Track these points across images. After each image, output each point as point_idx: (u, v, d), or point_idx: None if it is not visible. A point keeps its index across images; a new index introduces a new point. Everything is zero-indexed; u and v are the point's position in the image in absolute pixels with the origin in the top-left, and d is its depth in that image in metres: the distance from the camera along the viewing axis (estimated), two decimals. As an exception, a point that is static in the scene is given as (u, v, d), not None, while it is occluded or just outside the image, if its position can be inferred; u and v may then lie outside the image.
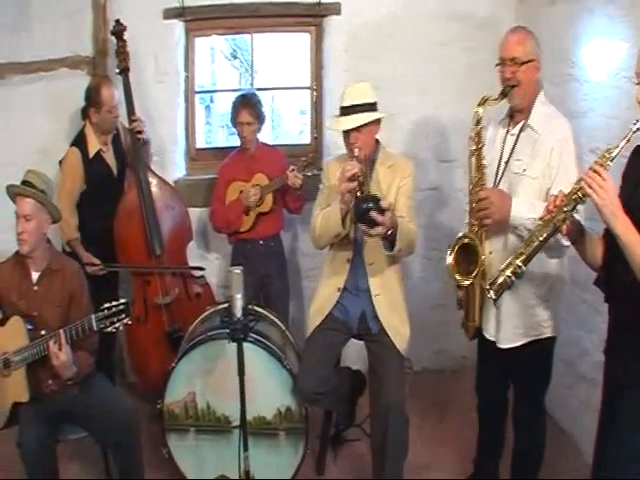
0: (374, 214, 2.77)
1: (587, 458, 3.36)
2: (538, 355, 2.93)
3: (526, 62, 2.76)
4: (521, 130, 2.85)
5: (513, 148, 2.85)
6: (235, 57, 6.02)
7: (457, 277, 2.87)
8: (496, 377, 3.13)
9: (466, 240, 2.85)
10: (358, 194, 2.91)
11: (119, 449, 3.18)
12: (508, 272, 2.51)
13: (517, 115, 2.89)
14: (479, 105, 2.82)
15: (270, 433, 3.30)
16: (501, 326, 2.90)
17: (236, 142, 4.21)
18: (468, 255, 2.85)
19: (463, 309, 3.05)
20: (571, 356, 3.62)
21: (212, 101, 5.68)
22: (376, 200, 2.81)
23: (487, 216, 2.78)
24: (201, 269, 4.19)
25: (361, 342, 3.35)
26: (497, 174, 2.88)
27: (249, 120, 3.94)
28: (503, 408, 3.20)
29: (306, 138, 4.76)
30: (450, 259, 2.88)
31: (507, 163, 2.86)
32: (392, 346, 3.16)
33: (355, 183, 2.91)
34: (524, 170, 2.80)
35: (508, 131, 2.91)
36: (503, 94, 2.79)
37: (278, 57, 5.40)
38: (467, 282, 2.85)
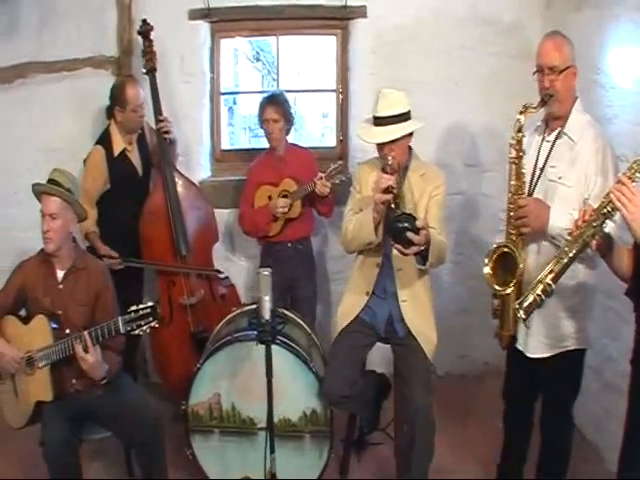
0: (410, 234, 2.77)
1: (609, 466, 3.35)
2: (567, 366, 2.90)
3: (564, 70, 2.74)
4: (557, 137, 2.82)
5: (548, 155, 2.83)
6: (258, 59, 6.03)
7: (496, 287, 2.82)
8: (524, 386, 3.11)
9: (505, 249, 2.81)
10: (392, 205, 2.91)
11: (143, 449, 3.17)
12: (538, 291, 2.50)
13: (553, 122, 2.86)
14: (520, 113, 2.78)
15: (295, 436, 3.29)
16: (530, 336, 2.88)
17: (258, 144, 4.20)
18: (505, 263, 2.81)
19: (498, 318, 2.98)
20: (596, 363, 3.60)
21: (235, 103, 5.68)
22: (412, 219, 2.80)
23: (525, 225, 2.76)
24: (219, 272, 4.16)
25: (385, 345, 3.34)
26: (532, 181, 2.86)
27: (275, 117, 3.90)
28: (529, 417, 3.18)
29: (329, 141, 4.76)
30: (488, 269, 2.84)
31: (542, 170, 2.84)
32: (419, 350, 3.16)
33: (389, 195, 2.91)
34: (559, 178, 2.78)
35: (544, 138, 2.89)
36: (543, 102, 2.77)
37: (302, 60, 5.38)
38: (507, 291, 2.80)
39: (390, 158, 2.96)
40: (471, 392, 4.34)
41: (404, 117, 3.09)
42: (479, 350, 4.44)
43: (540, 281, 2.51)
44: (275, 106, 3.91)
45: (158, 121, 3.99)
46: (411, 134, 3.15)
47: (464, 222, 4.44)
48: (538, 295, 2.50)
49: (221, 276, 4.17)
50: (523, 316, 2.54)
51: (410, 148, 3.24)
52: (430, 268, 3.12)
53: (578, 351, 2.89)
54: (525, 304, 2.54)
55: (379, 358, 3.69)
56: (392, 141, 3.05)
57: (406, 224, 2.78)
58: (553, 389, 2.97)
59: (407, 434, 3.10)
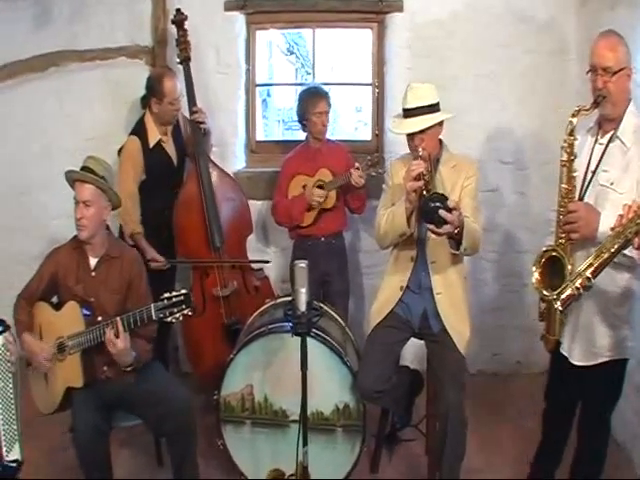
0: (443, 212, 2.75)
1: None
2: (609, 375, 2.84)
3: (618, 71, 2.65)
4: (610, 141, 2.75)
5: (601, 158, 2.76)
6: (292, 53, 6.01)
7: (545, 293, 2.74)
8: (566, 389, 3.05)
9: (554, 253, 2.75)
10: (424, 193, 2.91)
11: (174, 438, 3.13)
12: (577, 284, 2.45)
13: (606, 124, 2.78)
14: (573, 116, 2.70)
15: (327, 429, 3.27)
16: (576, 343, 2.83)
17: (291, 137, 4.18)
18: (553, 267, 2.75)
19: (544, 321, 2.92)
20: (628, 367, 3.55)
21: (269, 95, 5.66)
22: (444, 199, 2.80)
23: (574, 230, 2.69)
24: (266, 262, 4.19)
25: (418, 342, 3.32)
26: (583, 184, 2.80)
27: (326, 109, 3.93)
28: (569, 419, 3.12)
29: (362, 135, 4.73)
30: (536, 274, 2.77)
31: (594, 173, 2.77)
32: (453, 346, 3.13)
33: (421, 182, 2.91)
34: (611, 183, 2.70)
35: (596, 140, 2.81)
36: (595, 104, 2.70)
37: (336, 53, 5.37)
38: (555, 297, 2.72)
39: (420, 149, 2.97)
40: (502, 391, 4.29)
41: (433, 108, 3.10)
42: (511, 349, 4.42)
43: (579, 274, 2.46)
44: (326, 98, 3.95)
45: (192, 112, 3.99)
46: (441, 126, 3.15)
47: (498, 219, 4.39)
48: (577, 288, 2.46)
49: (255, 268, 4.17)
50: (560, 308, 2.49)
51: (441, 141, 3.23)
52: (464, 254, 3.09)
53: (621, 360, 2.84)
54: (563, 296, 2.49)
55: (411, 354, 3.67)
56: (422, 131, 3.05)
57: (438, 203, 2.77)
58: (593, 396, 2.91)
59: (439, 431, 3.09)
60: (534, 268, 2.78)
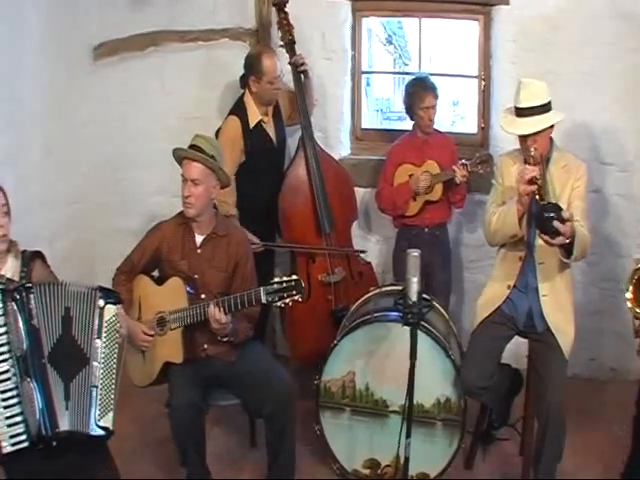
0: (557, 224, 2.73)
1: None
2: None
3: None
4: None
5: None
6: (390, 42, 5.97)
7: (638, 310, 2.75)
8: None
9: None
10: (537, 197, 2.89)
11: (272, 421, 3.12)
12: None
13: None
14: None
15: (427, 422, 3.24)
16: None
17: (390, 126, 4.15)
18: None
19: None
20: None
21: (368, 84, 5.62)
22: (558, 209, 2.78)
23: None
24: (363, 252, 4.17)
25: (518, 340, 3.30)
26: None
27: (434, 103, 3.89)
28: None
29: (459, 128, 4.67)
30: (629, 294, 2.76)
31: None
32: (557, 347, 3.09)
33: (534, 186, 2.89)
34: None
35: None
36: None
37: (436, 44, 5.31)
38: None
39: (533, 149, 2.94)
40: (596, 397, 4.20)
41: (546, 108, 3.05)
42: (607, 355, 4.33)
43: None
44: (433, 92, 3.90)
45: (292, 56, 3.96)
46: (553, 125, 3.09)
47: (598, 222, 4.26)
48: None
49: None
50: None
51: (551, 139, 3.18)
52: (574, 262, 3.05)
53: None
54: None
55: (511, 353, 3.61)
56: (535, 132, 3.00)
57: (552, 214, 2.75)
58: None
59: (538, 431, 3.07)
60: (627, 286, 2.76)
